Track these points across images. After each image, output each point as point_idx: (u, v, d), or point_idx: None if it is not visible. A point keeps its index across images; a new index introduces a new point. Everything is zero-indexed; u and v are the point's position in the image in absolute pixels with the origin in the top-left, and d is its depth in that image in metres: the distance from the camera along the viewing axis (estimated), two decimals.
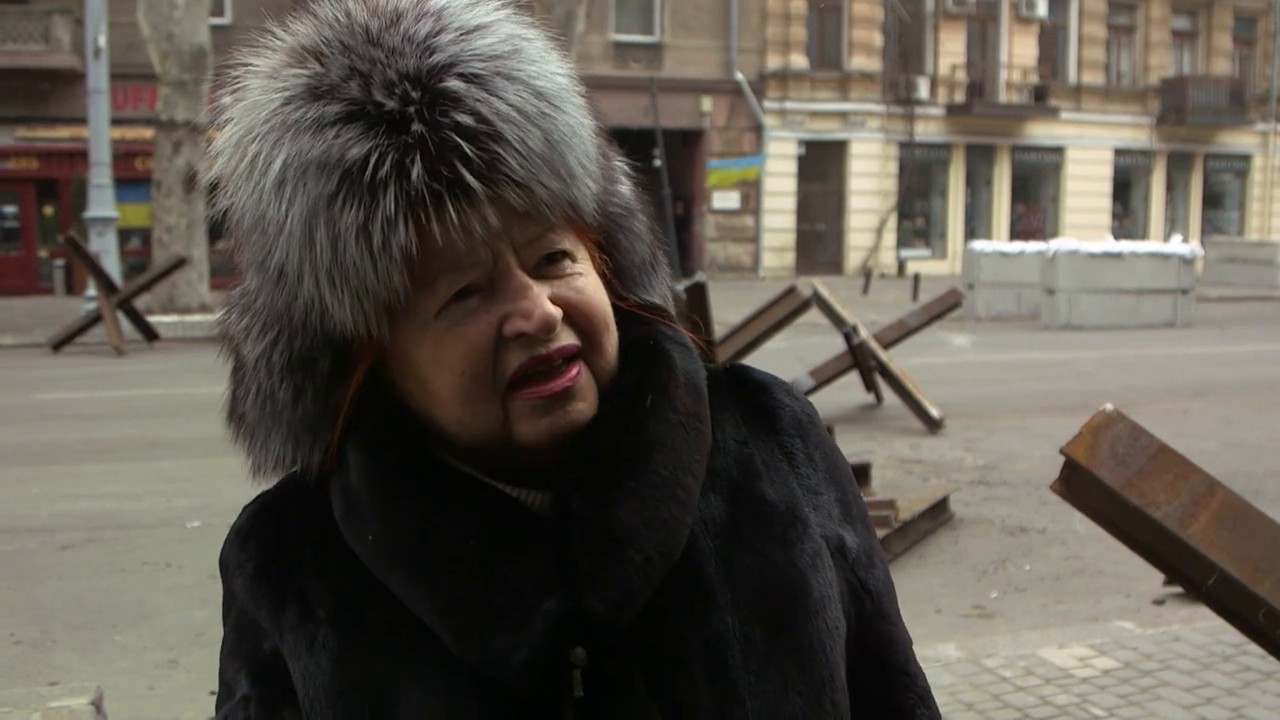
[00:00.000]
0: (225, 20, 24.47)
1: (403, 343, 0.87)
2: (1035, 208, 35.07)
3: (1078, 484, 2.47)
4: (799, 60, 30.94)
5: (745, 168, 28.89)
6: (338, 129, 0.82)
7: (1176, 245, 21.13)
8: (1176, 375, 12.91)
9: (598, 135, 0.92)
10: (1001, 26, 33.28)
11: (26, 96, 24.72)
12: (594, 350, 0.89)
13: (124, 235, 21.59)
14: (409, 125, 0.82)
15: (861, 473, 6.64)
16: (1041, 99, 33.53)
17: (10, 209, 26.08)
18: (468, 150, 0.82)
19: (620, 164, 0.98)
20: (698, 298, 6.69)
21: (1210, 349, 15.82)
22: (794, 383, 1.43)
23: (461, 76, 0.84)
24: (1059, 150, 34.49)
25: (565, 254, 0.89)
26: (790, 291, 9.00)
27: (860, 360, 10.01)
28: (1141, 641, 4.59)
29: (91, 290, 16.41)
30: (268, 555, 0.94)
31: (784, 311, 8.80)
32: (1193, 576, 2.42)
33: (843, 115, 31.63)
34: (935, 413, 9.47)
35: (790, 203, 31.57)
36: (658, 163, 28.04)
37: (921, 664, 1.05)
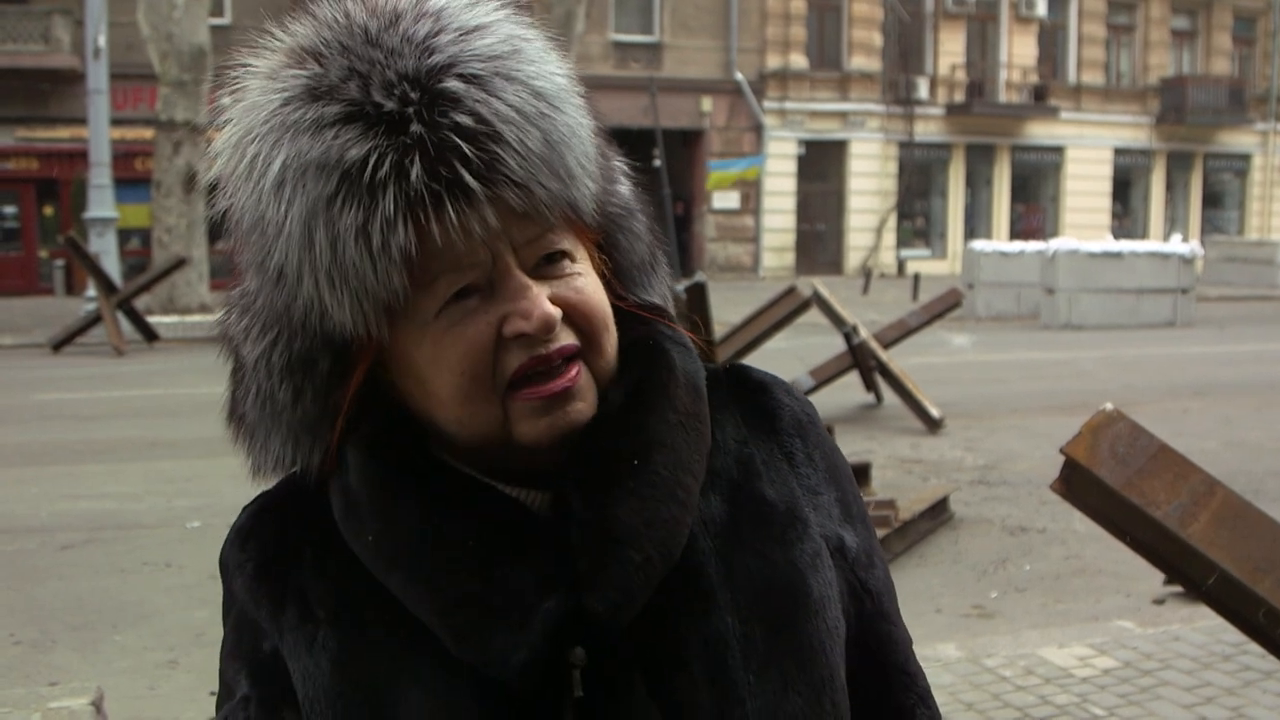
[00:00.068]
0: (225, 20, 24.47)
1: (402, 343, 0.87)
2: (1035, 207, 35.07)
3: (1078, 483, 2.47)
4: (799, 60, 30.94)
5: (744, 168, 28.88)
6: (337, 130, 0.82)
7: (1176, 245, 21.12)
8: (1176, 375, 12.91)
9: (597, 135, 0.92)
10: (1001, 26, 33.28)
11: (26, 96, 24.72)
12: (593, 350, 0.89)
13: (124, 235, 21.60)
14: (408, 126, 0.82)
15: (861, 472, 6.64)
16: (1041, 99, 33.54)
17: (10, 209, 26.09)
18: (467, 151, 0.82)
19: (619, 164, 0.98)
20: (698, 298, 6.69)
21: (1210, 348, 15.82)
22: (794, 383, 1.43)
23: (460, 77, 0.84)
24: (1059, 150, 34.49)
25: (564, 254, 0.89)
26: (790, 291, 9.00)
27: (860, 360, 10.01)
28: (1142, 641, 4.59)
29: (91, 290, 16.41)
30: (267, 556, 0.94)
31: (784, 311, 8.80)
32: (1193, 576, 2.42)
33: (842, 115, 31.64)
34: (935, 412, 9.47)
35: (790, 203, 31.57)
36: (658, 163, 28.04)
37: (921, 664, 1.05)
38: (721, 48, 30.41)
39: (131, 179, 23.22)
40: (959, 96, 32.77)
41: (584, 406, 0.88)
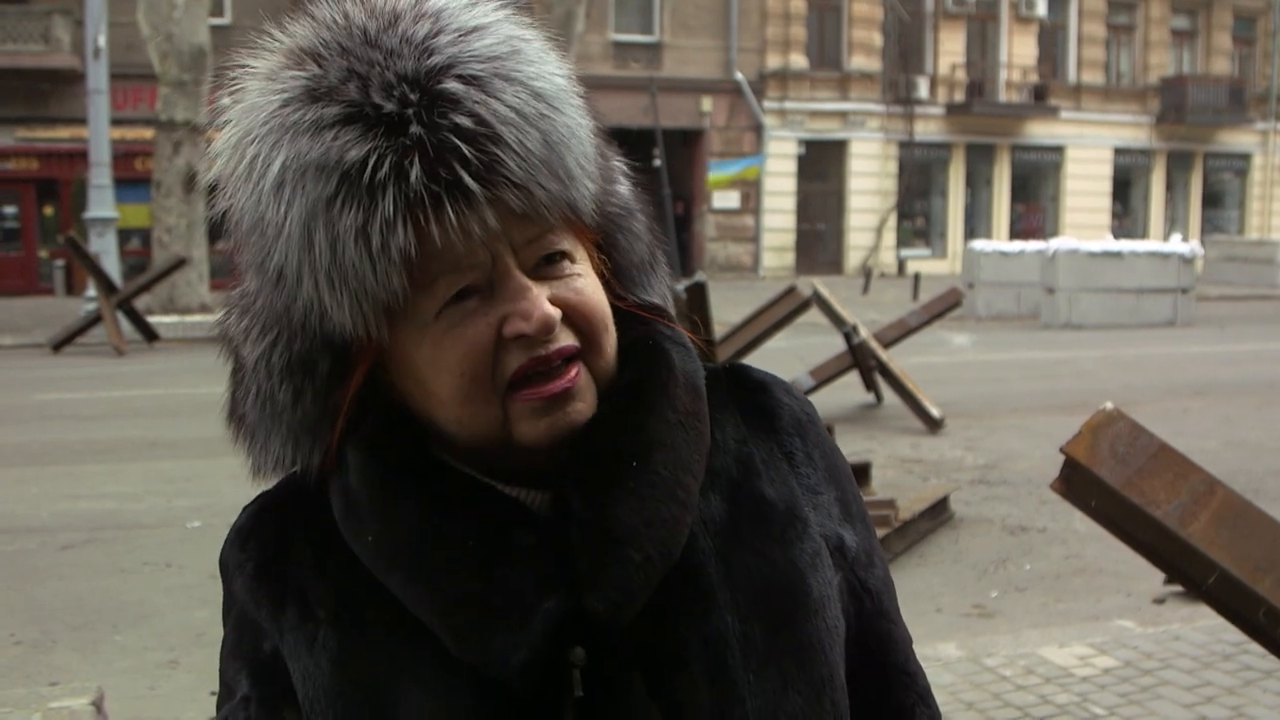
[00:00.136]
0: (225, 20, 24.47)
1: (402, 344, 0.88)
2: (1035, 207, 35.07)
3: (1078, 483, 2.47)
4: (799, 60, 30.94)
5: (744, 168, 28.89)
6: (336, 131, 0.82)
7: (1176, 244, 21.12)
8: (1176, 374, 12.91)
9: (596, 135, 0.92)
10: (1001, 26, 33.28)
11: (26, 96, 24.72)
12: (593, 350, 0.89)
13: (124, 235, 21.60)
14: (407, 127, 0.82)
15: (861, 472, 6.64)
16: (1041, 98, 33.53)
17: (10, 209, 26.09)
18: (466, 152, 0.82)
19: (619, 164, 0.98)
20: (698, 297, 6.69)
21: (1210, 348, 15.82)
22: (794, 382, 1.43)
23: (460, 78, 0.84)
24: (1059, 149, 34.49)
25: (564, 255, 0.89)
26: (790, 291, 9.00)
27: (860, 360, 10.01)
28: (1142, 640, 4.59)
29: (91, 290, 16.41)
30: (267, 555, 0.94)
31: (784, 311, 8.80)
32: (1193, 575, 2.42)
33: (842, 115, 31.63)
34: (935, 412, 9.47)
35: (790, 202, 31.57)
36: (658, 163, 28.04)
37: (922, 663, 1.06)
38: (721, 47, 30.40)
39: (131, 179, 23.23)
40: (959, 96, 32.77)
41: (583, 407, 0.88)
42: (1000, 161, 34.01)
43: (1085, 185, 34.78)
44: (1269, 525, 2.38)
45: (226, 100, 0.89)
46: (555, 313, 0.85)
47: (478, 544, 0.87)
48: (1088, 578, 5.76)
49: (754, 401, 1.01)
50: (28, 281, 25.79)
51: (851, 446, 8.31)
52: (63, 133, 24.73)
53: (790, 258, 31.46)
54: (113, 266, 17.02)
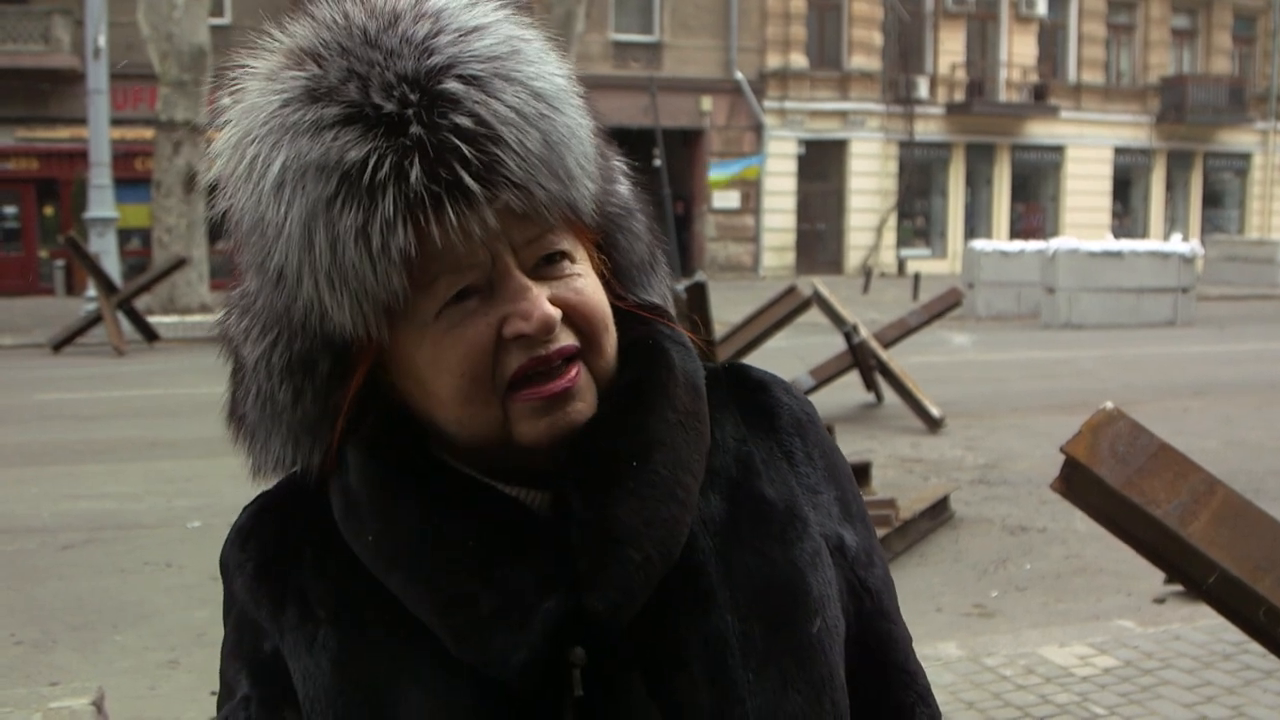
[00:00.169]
0: (225, 20, 24.46)
1: (402, 344, 0.88)
2: (1035, 207, 35.06)
3: (1078, 482, 2.47)
4: (799, 60, 30.94)
5: (744, 168, 28.88)
6: (336, 131, 0.82)
7: (1176, 244, 21.13)
8: (1177, 374, 12.91)
9: (596, 135, 0.92)
10: (1001, 25, 33.27)
11: (26, 96, 24.71)
12: (593, 350, 0.89)
13: (124, 235, 21.60)
14: (407, 127, 0.82)
15: (862, 472, 6.64)
16: (1041, 98, 33.53)
17: (10, 209, 26.10)
18: (466, 152, 0.82)
19: (619, 164, 0.98)
20: (698, 297, 6.69)
21: (1210, 347, 15.82)
22: (794, 382, 1.43)
23: (460, 78, 0.84)
24: (1059, 149, 34.49)
25: (564, 254, 0.89)
26: (790, 291, 9.00)
27: (860, 359, 10.00)
28: (1142, 640, 4.59)
29: (91, 291, 16.41)
30: (268, 555, 0.94)
31: (784, 311, 8.80)
32: (1193, 575, 2.42)
33: (842, 115, 31.63)
34: (935, 412, 9.47)
35: (790, 202, 31.57)
36: (658, 162, 28.03)
37: (922, 663, 1.06)
38: (721, 47, 30.40)
39: (131, 179, 23.22)
40: (959, 96, 32.77)
41: (583, 407, 0.89)
42: (1000, 161, 34.01)
43: (1085, 185, 34.78)
44: (1269, 525, 2.38)
45: (226, 100, 0.89)
46: (555, 313, 0.85)
47: (478, 544, 0.87)
48: (1088, 577, 5.76)
49: (754, 401, 1.01)
50: (28, 281, 25.79)
51: (852, 446, 8.31)
52: (63, 133, 24.73)
53: (790, 257, 31.46)
54: (113, 266, 17.02)
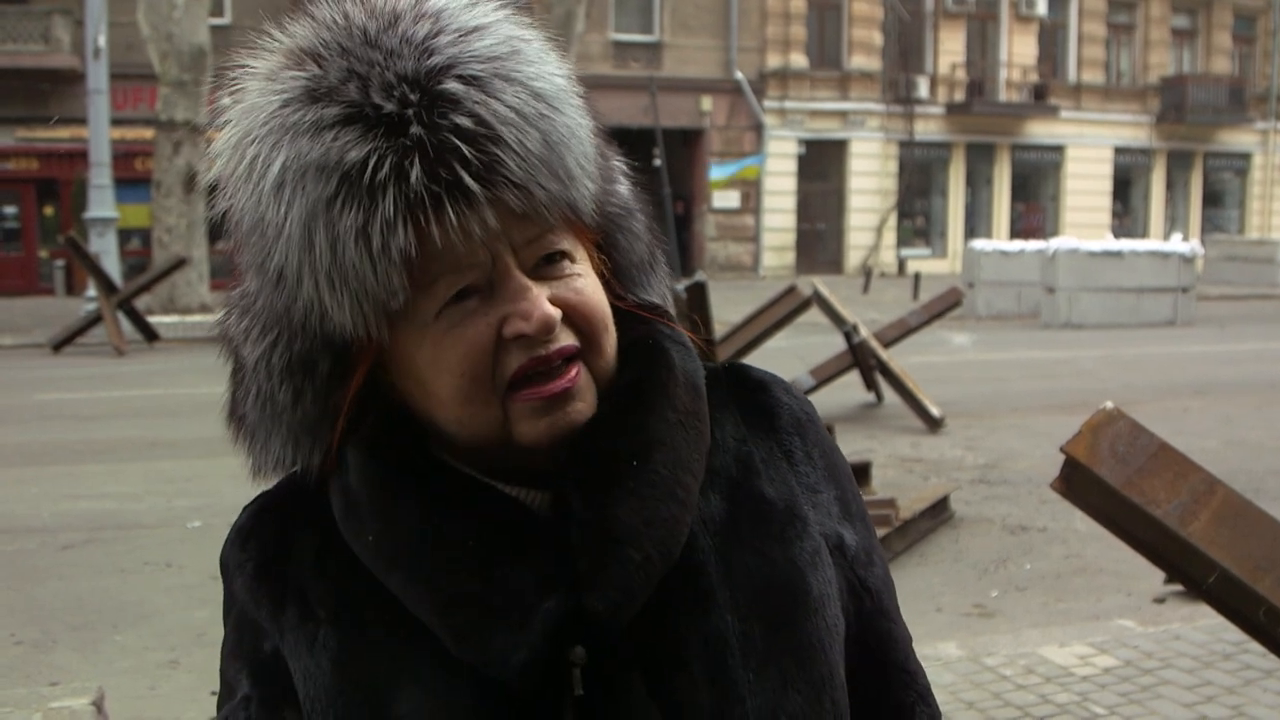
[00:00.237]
0: (225, 20, 24.46)
1: (402, 345, 0.88)
2: (1035, 206, 35.06)
3: (1078, 482, 2.47)
4: (799, 59, 30.94)
5: (743, 167, 28.88)
6: (336, 131, 0.82)
7: (1176, 244, 21.12)
8: (1177, 373, 12.91)
9: (596, 135, 0.92)
10: (1001, 25, 33.27)
11: (26, 96, 24.71)
12: (593, 350, 0.89)
13: (124, 235, 21.59)
14: (407, 128, 0.82)
15: (862, 471, 6.64)
16: (1041, 98, 33.53)
17: (10, 209, 26.09)
18: (466, 152, 0.82)
19: (618, 163, 0.98)
20: (698, 297, 6.69)
21: (1210, 347, 15.82)
22: (794, 382, 1.43)
23: (460, 78, 0.84)
24: (1059, 149, 34.49)
25: (564, 254, 0.89)
26: (790, 290, 9.00)
27: (860, 359, 10.01)
28: (1142, 640, 4.59)
29: (91, 290, 16.41)
30: (268, 555, 0.94)
31: (784, 310, 8.80)
32: (1193, 574, 2.42)
33: (843, 114, 31.63)
34: (936, 411, 9.47)
35: (790, 202, 31.57)
36: (658, 162, 28.03)
37: (922, 662, 1.06)
38: (721, 47, 30.40)
39: (131, 179, 23.22)
40: (959, 96, 32.77)
41: (583, 406, 0.89)
42: (1000, 161, 34.01)
43: (1085, 185, 34.77)
44: (1269, 524, 2.38)
45: (226, 100, 0.89)
46: (555, 313, 0.86)
47: (478, 544, 0.87)
48: (1088, 577, 5.76)
49: (753, 401, 1.01)
50: (28, 281, 25.79)
51: (852, 446, 8.31)
52: (63, 133, 24.69)
53: (790, 257, 31.46)
54: (113, 266, 17.02)
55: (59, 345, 15.53)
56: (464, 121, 0.82)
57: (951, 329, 16.47)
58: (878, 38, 31.84)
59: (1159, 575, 5.15)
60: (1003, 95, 33.39)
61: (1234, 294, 25.59)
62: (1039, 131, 33.95)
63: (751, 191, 30.82)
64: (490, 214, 0.83)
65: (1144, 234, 34.33)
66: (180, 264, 16.33)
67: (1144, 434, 2.44)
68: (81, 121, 20.31)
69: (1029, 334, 17.94)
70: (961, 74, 32.85)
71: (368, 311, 0.84)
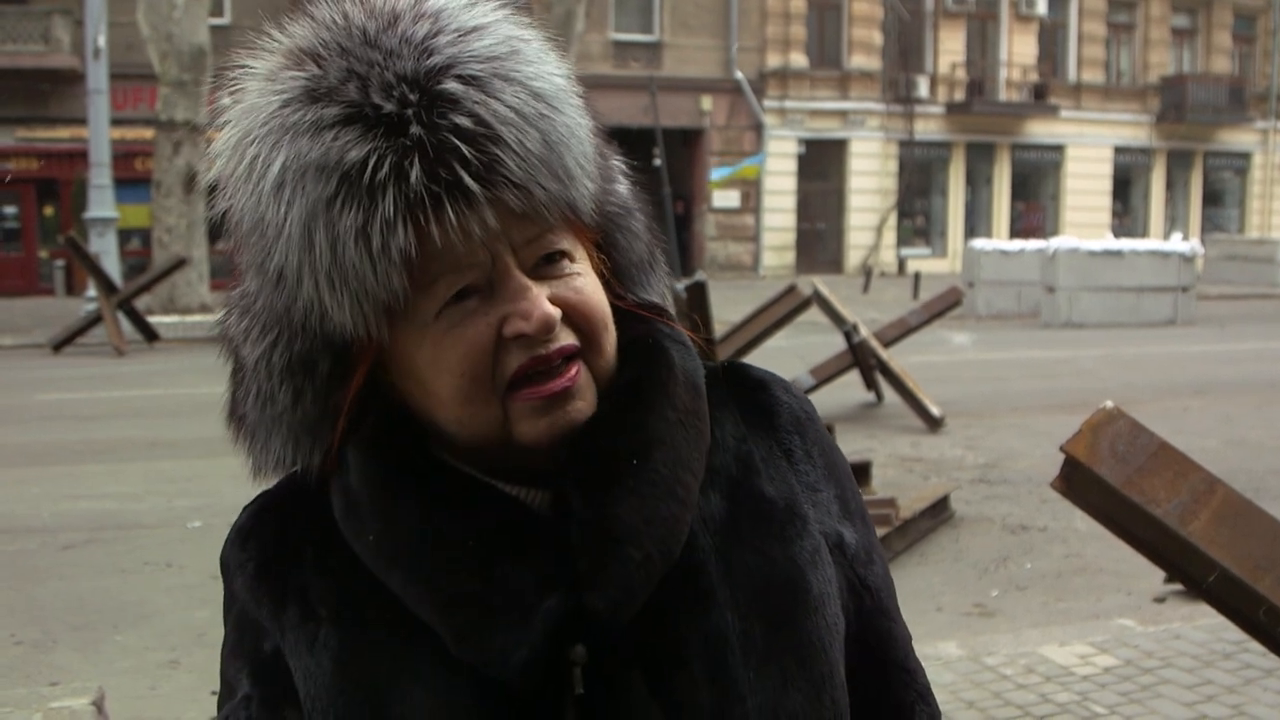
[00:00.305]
0: (225, 20, 24.46)
1: (402, 344, 0.88)
2: (1035, 206, 35.06)
3: (1078, 482, 2.47)
4: (799, 59, 30.93)
5: (743, 167, 28.87)
6: (336, 131, 0.82)
7: (1177, 243, 21.12)
8: (1177, 373, 12.91)
9: (596, 135, 0.92)
10: (1001, 25, 33.27)
11: (26, 97, 24.71)
12: (593, 350, 0.90)
13: (124, 235, 21.59)
14: (407, 128, 0.82)
15: (862, 471, 6.64)
16: (1041, 97, 33.52)
17: (10, 209, 26.10)
18: (466, 152, 0.82)
19: (618, 163, 0.98)
20: (698, 296, 6.69)
21: (1210, 347, 15.82)
22: (794, 381, 1.43)
23: (459, 78, 0.84)
24: (1059, 148, 34.48)
25: (564, 254, 0.89)
26: (790, 290, 9.00)
27: (860, 359, 10.00)
28: (1142, 639, 4.60)
29: (91, 291, 16.41)
30: (268, 555, 0.94)
31: (784, 310, 8.80)
32: (1193, 574, 2.42)
33: (843, 114, 31.62)
34: (936, 411, 9.47)
35: (790, 201, 31.56)
36: (657, 162, 28.03)
37: (922, 662, 1.06)
38: (721, 46, 30.39)
39: (131, 179, 23.22)
40: (959, 95, 32.76)
41: (583, 406, 0.89)
42: (1000, 160, 34.00)
43: (1085, 184, 34.77)
44: (1269, 524, 2.38)
45: (226, 100, 0.89)
46: (555, 312, 0.86)
47: (478, 543, 0.87)
48: (1088, 576, 5.76)
49: (753, 400, 1.01)
50: (28, 281, 25.79)
51: (852, 445, 8.31)
52: (63, 133, 24.72)
53: (790, 257, 31.46)
54: (113, 266, 17.02)
55: (59, 345, 15.53)
56: (463, 121, 0.82)
57: (951, 328, 16.47)
58: (878, 37, 31.84)
59: (1159, 575, 5.15)
60: (1003, 95, 33.39)
61: (1234, 293, 25.58)
62: (1039, 131, 33.94)
63: (751, 191, 30.81)
64: (490, 214, 0.83)
65: (1144, 233, 34.32)
66: (180, 264, 16.33)
67: (1144, 433, 2.44)
68: (81, 121, 20.32)
69: (1029, 333, 17.94)
70: (961, 73, 32.85)
71: (368, 311, 0.84)
